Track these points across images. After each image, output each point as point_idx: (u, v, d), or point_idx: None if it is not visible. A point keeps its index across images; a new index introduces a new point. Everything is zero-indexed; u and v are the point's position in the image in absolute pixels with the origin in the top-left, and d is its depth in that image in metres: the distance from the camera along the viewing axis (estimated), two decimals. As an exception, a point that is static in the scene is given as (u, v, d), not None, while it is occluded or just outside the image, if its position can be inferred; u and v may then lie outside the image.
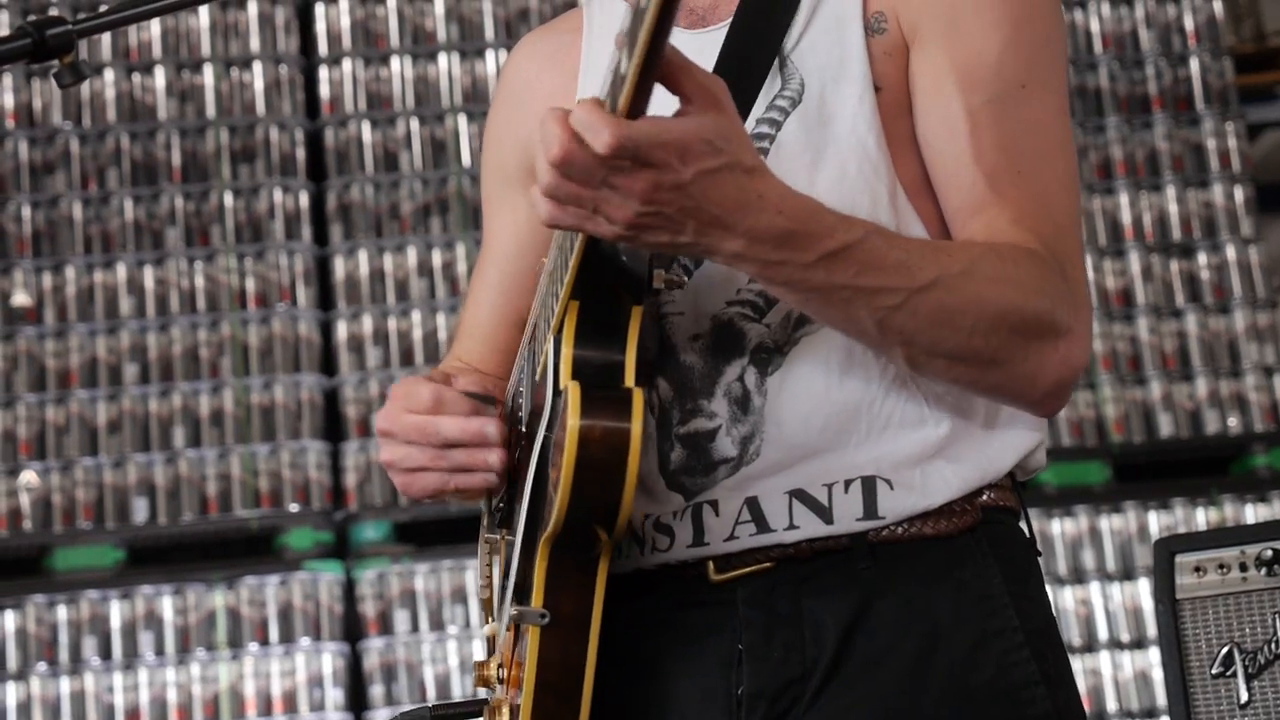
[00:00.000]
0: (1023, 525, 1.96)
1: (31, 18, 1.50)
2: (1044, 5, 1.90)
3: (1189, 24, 6.22)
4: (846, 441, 1.84)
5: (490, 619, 2.05)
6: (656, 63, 1.51)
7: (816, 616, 1.83)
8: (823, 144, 1.86)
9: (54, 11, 5.78)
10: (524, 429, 1.90)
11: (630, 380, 1.70)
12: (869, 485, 1.84)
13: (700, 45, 1.93)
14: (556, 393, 1.72)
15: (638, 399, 1.66)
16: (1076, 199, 1.89)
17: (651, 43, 1.48)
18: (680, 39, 1.99)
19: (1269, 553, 2.66)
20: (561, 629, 1.72)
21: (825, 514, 1.83)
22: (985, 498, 1.88)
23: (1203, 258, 6.05)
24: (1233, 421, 5.94)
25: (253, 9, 5.97)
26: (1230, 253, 6.05)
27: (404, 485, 1.95)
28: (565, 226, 1.61)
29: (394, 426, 1.92)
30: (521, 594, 1.78)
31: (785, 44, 1.89)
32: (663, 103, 1.57)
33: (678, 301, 1.83)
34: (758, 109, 1.87)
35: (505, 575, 1.92)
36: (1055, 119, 1.87)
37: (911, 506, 1.84)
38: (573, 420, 1.64)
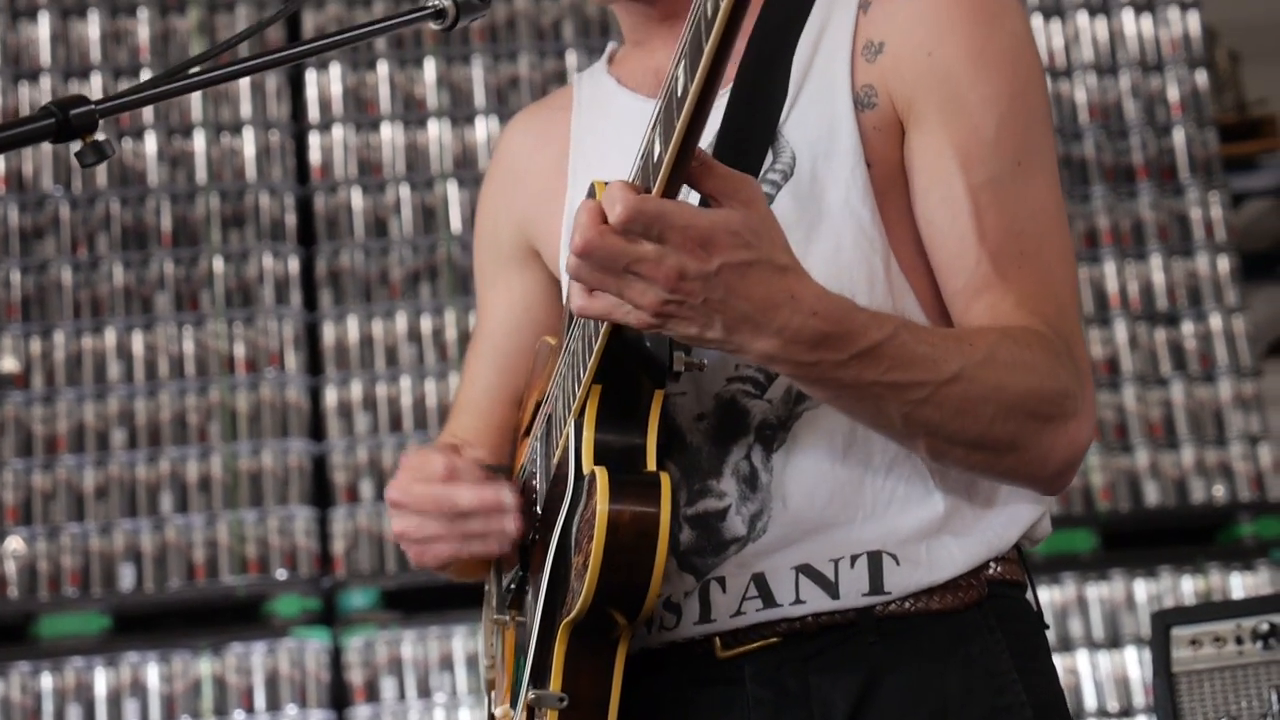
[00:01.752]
0: (1030, 597, 1.96)
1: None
2: (1034, 80, 1.91)
3: (1173, 95, 6.27)
4: (852, 517, 1.85)
5: (497, 699, 2.05)
6: (692, 149, 1.53)
7: (825, 694, 1.83)
8: (816, 218, 1.86)
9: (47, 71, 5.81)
10: (539, 510, 1.91)
11: (651, 464, 1.71)
12: (875, 560, 1.84)
13: None
14: (579, 476, 1.72)
15: (666, 484, 1.67)
16: (1075, 274, 1.90)
17: (689, 128, 1.49)
18: None
19: (1265, 626, 2.68)
20: (579, 712, 1.72)
21: (831, 589, 1.84)
22: (991, 571, 1.89)
23: (1188, 327, 6.08)
24: (1218, 490, 5.96)
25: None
26: (1215, 322, 6.08)
27: (417, 555, 1.95)
28: (594, 315, 1.61)
29: (406, 497, 1.92)
30: (538, 677, 1.77)
31: None
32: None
33: (680, 382, 1.84)
34: None
35: (519, 657, 1.91)
36: (1050, 194, 1.88)
37: (917, 582, 1.85)
38: (602, 505, 1.64)
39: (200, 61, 1.60)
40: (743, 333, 1.59)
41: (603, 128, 2.10)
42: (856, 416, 1.75)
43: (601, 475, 1.66)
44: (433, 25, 1.78)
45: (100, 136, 1.52)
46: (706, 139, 1.66)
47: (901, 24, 1.89)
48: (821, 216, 1.87)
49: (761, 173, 1.87)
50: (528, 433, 2.10)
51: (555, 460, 1.85)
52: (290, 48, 1.69)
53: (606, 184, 1.59)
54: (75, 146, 1.52)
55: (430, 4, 1.78)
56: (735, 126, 1.87)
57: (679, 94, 1.53)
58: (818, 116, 1.89)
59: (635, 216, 1.52)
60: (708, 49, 1.47)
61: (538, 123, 2.26)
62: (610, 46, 2.23)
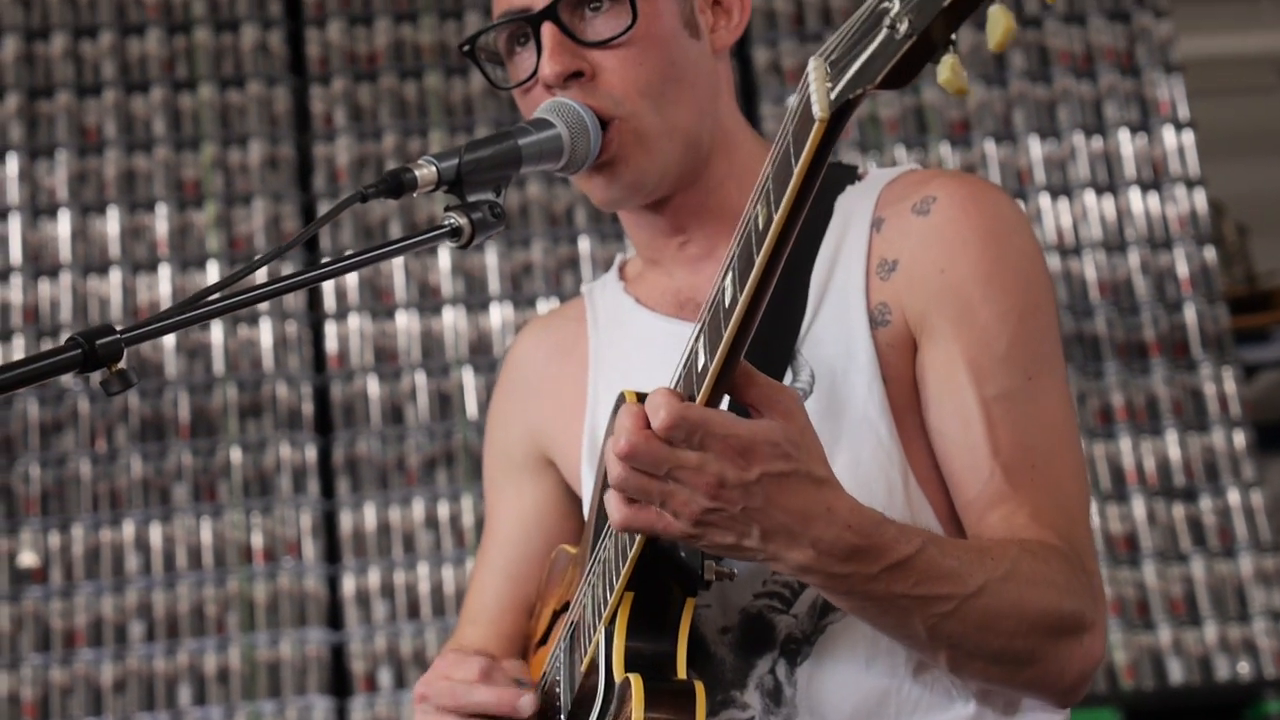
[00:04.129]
0: None
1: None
2: (1045, 296, 1.95)
3: (1182, 271, 6.31)
4: None
5: None
6: (738, 359, 1.55)
7: None
8: (836, 434, 1.89)
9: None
10: (564, 717, 1.91)
11: (681, 672, 1.72)
12: None
13: None
14: (610, 683, 1.73)
15: (700, 693, 1.69)
16: (1086, 487, 1.92)
17: (736, 338, 1.51)
18: (690, 333, 2.05)
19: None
20: None
21: None
22: None
23: (1206, 502, 6.07)
24: (1243, 667, 5.91)
25: (261, 270, 6.04)
26: (1233, 497, 6.07)
27: None
28: (636, 528, 1.62)
29: (430, 691, 1.94)
30: None
31: None
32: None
33: (705, 594, 1.84)
34: None
35: None
36: (1061, 408, 1.91)
37: None
38: (638, 713, 1.66)
39: (220, 289, 1.62)
40: (778, 543, 1.60)
41: (624, 346, 2.14)
42: (882, 628, 1.75)
43: (636, 683, 1.67)
44: (449, 243, 1.80)
45: (124, 365, 1.55)
46: None
47: (914, 242, 1.93)
48: (841, 432, 1.89)
49: None
50: (543, 642, 2.10)
51: (583, 667, 1.85)
52: (309, 270, 1.72)
53: (639, 393, 1.61)
54: (100, 375, 1.54)
55: (446, 222, 1.81)
56: (756, 342, 1.89)
57: (725, 304, 1.55)
58: (835, 335, 1.92)
59: (679, 423, 1.54)
60: (758, 261, 1.50)
61: (552, 334, 2.29)
62: (619, 258, 2.27)
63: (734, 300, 1.54)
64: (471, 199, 1.82)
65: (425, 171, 1.81)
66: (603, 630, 1.77)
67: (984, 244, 1.92)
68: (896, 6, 1.32)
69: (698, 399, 1.58)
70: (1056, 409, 1.90)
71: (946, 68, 1.31)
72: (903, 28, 1.31)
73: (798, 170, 1.44)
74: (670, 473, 1.56)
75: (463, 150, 1.84)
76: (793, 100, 1.46)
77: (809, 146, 1.43)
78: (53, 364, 1.50)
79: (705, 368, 1.58)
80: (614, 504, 1.62)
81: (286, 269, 5.99)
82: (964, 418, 1.87)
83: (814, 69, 1.42)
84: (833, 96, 1.39)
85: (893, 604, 1.67)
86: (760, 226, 1.50)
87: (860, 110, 6.44)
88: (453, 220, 1.81)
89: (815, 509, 1.59)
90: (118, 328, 1.55)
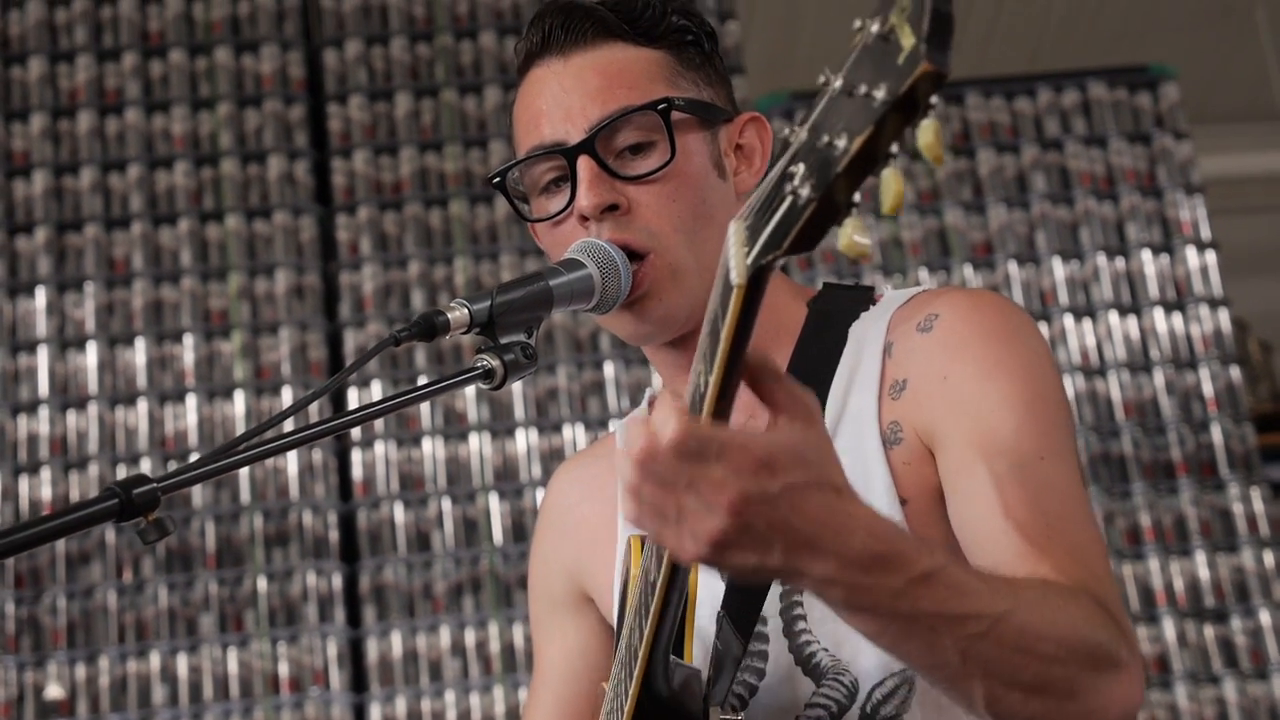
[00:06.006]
0: None
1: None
2: (1050, 390, 1.94)
3: (1208, 391, 6.31)
4: None
5: None
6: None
7: None
8: None
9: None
10: None
11: None
12: None
13: None
14: None
15: None
16: (1107, 556, 1.87)
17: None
18: None
19: None
20: None
21: None
22: None
23: (1236, 622, 6.04)
24: (1279, 789, 5.86)
25: (286, 394, 6.08)
26: (1265, 617, 6.03)
27: None
28: (648, 527, 1.54)
29: None
30: None
31: None
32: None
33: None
34: None
35: None
36: (1075, 489, 1.88)
37: None
38: None
39: (249, 438, 1.64)
40: (802, 556, 1.51)
41: None
42: (910, 655, 1.65)
43: None
44: (482, 385, 1.82)
45: (160, 514, 1.56)
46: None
47: (920, 358, 1.94)
48: None
49: None
50: None
51: None
52: (341, 416, 1.73)
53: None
54: (136, 524, 1.55)
55: (479, 364, 1.83)
56: None
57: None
58: (851, 460, 1.91)
59: (689, 435, 1.45)
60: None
61: (584, 472, 2.31)
62: (649, 392, 2.28)
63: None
64: (504, 340, 1.84)
65: (458, 314, 1.83)
66: None
67: (985, 344, 1.93)
68: (800, 170, 1.32)
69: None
70: (1070, 485, 1.87)
71: (848, 230, 1.31)
72: (804, 193, 1.31)
73: (724, 335, 1.44)
74: (690, 484, 1.47)
75: (495, 292, 1.86)
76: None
77: (731, 311, 1.43)
78: (90, 514, 1.51)
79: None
80: (628, 504, 1.54)
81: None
82: (978, 490, 1.84)
83: (734, 233, 1.42)
84: (748, 262, 1.39)
85: (920, 623, 1.58)
86: (701, 388, 1.50)
87: (883, 233, 6.49)
88: (485, 362, 1.82)
89: (838, 518, 1.51)
90: (153, 476, 1.55)
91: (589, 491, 2.26)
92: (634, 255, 2.00)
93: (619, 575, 2.13)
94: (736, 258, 1.40)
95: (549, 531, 2.32)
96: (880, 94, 1.24)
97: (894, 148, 1.27)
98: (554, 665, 2.29)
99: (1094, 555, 1.83)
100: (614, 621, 2.16)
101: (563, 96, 2.07)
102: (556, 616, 2.29)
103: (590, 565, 2.22)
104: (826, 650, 1.93)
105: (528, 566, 2.42)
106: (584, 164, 2.02)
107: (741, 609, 1.88)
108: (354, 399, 6.13)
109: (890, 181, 1.27)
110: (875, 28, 1.27)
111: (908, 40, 1.22)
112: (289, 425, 1.74)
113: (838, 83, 1.30)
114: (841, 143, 1.28)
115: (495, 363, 1.82)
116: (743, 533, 1.48)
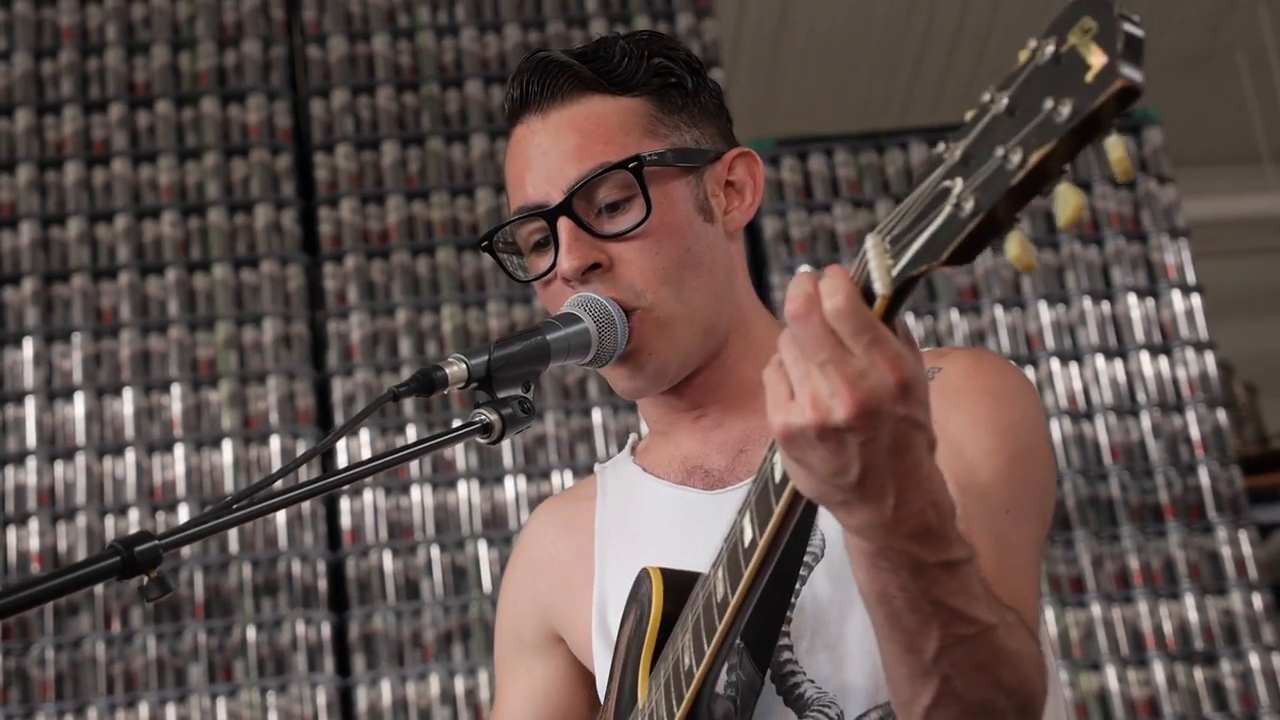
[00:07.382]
0: None
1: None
2: (1036, 457, 1.96)
3: (1195, 434, 6.33)
4: None
5: None
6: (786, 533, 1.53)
7: None
8: (850, 593, 1.85)
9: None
10: None
11: None
12: None
13: (719, 505, 1.99)
14: None
15: None
16: (1040, 616, 1.88)
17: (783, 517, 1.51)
18: (698, 499, 2.08)
19: None
20: None
21: None
22: None
23: (1226, 665, 6.04)
24: (1271, 836, 5.86)
25: (274, 443, 6.07)
26: (1254, 660, 6.04)
27: None
28: (768, 382, 1.49)
29: None
30: None
31: None
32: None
33: None
34: None
35: None
36: (1029, 551, 1.89)
37: None
38: None
39: (242, 498, 1.65)
40: (872, 490, 1.46)
41: (630, 514, 2.16)
42: (890, 633, 1.61)
43: None
44: (480, 440, 1.83)
45: (160, 571, 1.56)
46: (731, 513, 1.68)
47: None
48: (852, 597, 1.88)
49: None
50: None
51: None
52: (333, 475, 1.74)
53: (663, 569, 1.60)
54: (138, 582, 1.56)
55: (477, 419, 1.83)
56: None
57: (745, 544, 1.56)
58: None
59: (851, 312, 1.41)
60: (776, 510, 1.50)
61: (561, 512, 2.32)
62: (632, 438, 2.29)
63: (753, 542, 1.56)
64: (501, 395, 1.85)
65: (455, 369, 1.84)
66: None
67: (978, 397, 1.95)
68: (960, 185, 1.33)
69: (744, 577, 1.57)
70: (1024, 547, 1.87)
71: (1015, 243, 1.32)
72: (968, 206, 1.32)
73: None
74: (829, 358, 1.42)
75: (492, 347, 1.87)
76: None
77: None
78: (91, 572, 1.52)
79: (725, 598, 1.59)
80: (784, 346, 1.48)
81: (302, 447, 6.02)
82: None
83: (872, 245, 1.40)
84: (894, 273, 1.38)
85: (922, 606, 1.55)
86: (776, 478, 1.51)
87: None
88: (483, 417, 1.83)
89: (921, 471, 1.48)
90: (154, 533, 1.56)
91: (565, 530, 2.27)
92: (623, 310, 2.03)
93: (595, 608, 2.15)
94: (879, 269, 1.39)
95: (520, 570, 2.33)
96: (1066, 110, 1.25)
97: (1066, 166, 1.29)
98: (514, 706, 2.29)
99: (1031, 611, 1.82)
100: (589, 657, 2.17)
101: (541, 158, 2.09)
102: (523, 657, 2.29)
103: (563, 602, 2.23)
104: (812, 682, 1.93)
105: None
106: (564, 226, 2.05)
107: (759, 641, 1.87)
108: (343, 448, 6.12)
109: (1069, 195, 1.29)
110: (1050, 49, 1.28)
111: (1096, 59, 1.24)
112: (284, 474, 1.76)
113: (1004, 101, 1.31)
114: (1017, 157, 1.29)
115: (493, 417, 1.83)
116: (845, 434, 1.43)
